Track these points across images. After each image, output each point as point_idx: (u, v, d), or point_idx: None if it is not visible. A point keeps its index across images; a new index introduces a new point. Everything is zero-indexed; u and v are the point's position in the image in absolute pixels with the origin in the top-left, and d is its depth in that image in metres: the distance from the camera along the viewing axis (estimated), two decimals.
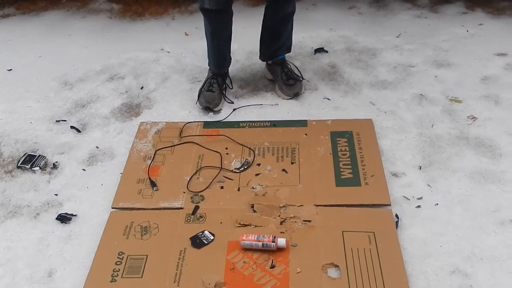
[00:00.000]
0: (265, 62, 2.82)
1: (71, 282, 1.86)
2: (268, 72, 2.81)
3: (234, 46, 2.67)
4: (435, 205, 2.06)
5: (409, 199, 2.09)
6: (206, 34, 2.56)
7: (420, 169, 2.22)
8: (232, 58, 2.72)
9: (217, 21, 2.48)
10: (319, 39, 3.19)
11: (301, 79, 2.73)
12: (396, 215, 2.00)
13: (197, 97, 2.65)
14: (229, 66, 2.74)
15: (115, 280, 1.82)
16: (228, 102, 2.66)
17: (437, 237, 1.94)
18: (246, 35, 3.00)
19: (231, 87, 2.73)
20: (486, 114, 2.50)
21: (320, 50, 3.07)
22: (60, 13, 3.73)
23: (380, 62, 2.95)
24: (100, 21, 3.60)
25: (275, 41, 2.67)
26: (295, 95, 2.68)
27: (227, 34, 2.57)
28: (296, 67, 2.77)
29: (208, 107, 2.60)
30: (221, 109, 2.63)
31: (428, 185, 2.15)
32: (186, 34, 3.33)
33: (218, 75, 2.68)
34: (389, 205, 2.05)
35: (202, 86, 2.66)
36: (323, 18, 3.43)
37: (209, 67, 2.71)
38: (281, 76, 2.70)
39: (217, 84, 2.64)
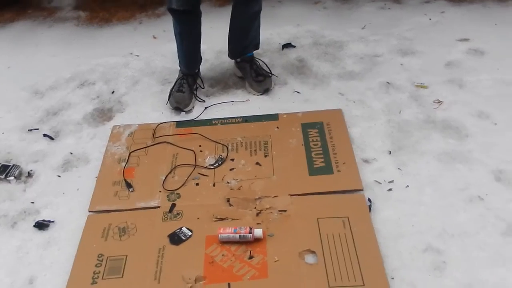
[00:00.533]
0: (234, 60, 2.85)
1: None
2: (238, 70, 2.84)
3: (203, 46, 2.70)
4: (406, 187, 2.12)
5: (381, 183, 2.14)
6: (175, 35, 2.59)
7: (390, 154, 2.28)
8: (201, 56, 2.75)
9: (185, 22, 2.51)
10: (286, 35, 3.23)
11: (270, 74, 2.77)
12: (369, 199, 2.06)
13: (167, 98, 2.67)
14: (199, 65, 2.77)
15: (96, 282, 1.84)
16: (199, 101, 2.68)
17: (409, 218, 1.99)
18: (214, 35, 3.02)
19: (202, 87, 2.75)
20: (451, 98, 2.57)
21: (287, 45, 3.11)
22: (26, 24, 3.70)
23: (347, 54, 3.00)
24: (67, 29, 3.59)
25: (242, 39, 2.71)
26: (265, 91, 2.72)
27: (196, 34, 2.60)
28: (265, 63, 2.81)
29: (178, 108, 2.63)
30: (192, 109, 2.65)
31: (399, 169, 2.20)
32: (154, 37, 3.34)
33: (189, 75, 2.70)
34: (362, 190, 2.10)
35: (173, 87, 2.68)
36: (289, 14, 3.47)
37: (179, 68, 2.74)
38: (250, 73, 2.73)
39: (187, 84, 2.66)
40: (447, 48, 2.97)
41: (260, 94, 2.71)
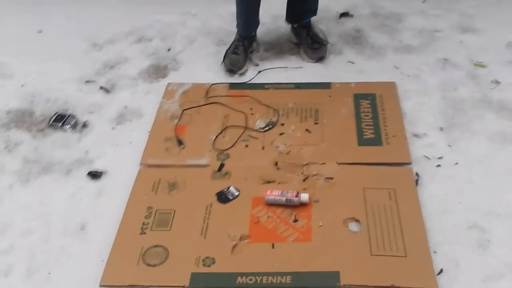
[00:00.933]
0: (290, 26, 2.84)
1: (103, 235, 1.95)
2: (293, 36, 2.84)
3: (260, 10, 2.70)
4: (455, 164, 2.11)
5: (430, 159, 2.13)
6: None
7: (441, 130, 2.26)
8: (259, 20, 2.75)
9: None
10: (344, 3, 3.19)
11: (326, 43, 2.76)
12: (417, 174, 2.06)
13: (222, 59, 2.70)
14: (256, 28, 2.77)
15: (145, 233, 1.91)
16: (254, 65, 2.69)
17: (456, 195, 1.99)
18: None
19: (258, 51, 2.77)
20: (510, 79, 2.51)
21: (345, 14, 3.08)
22: None
23: (405, 27, 2.96)
24: None
25: (301, 3, 2.70)
26: (320, 59, 2.71)
27: None
28: (322, 31, 2.79)
29: (232, 70, 2.65)
30: (245, 72, 2.67)
31: (449, 146, 2.19)
32: None
33: (245, 37, 2.71)
34: (410, 163, 2.10)
35: (228, 48, 2.70)
36: None
37: (237, 29, 2.74)
38: (306, 39, 2.73)
39: (242, 47, 2.67)
40: (509, 27, 2.88)
41: (315, 62, 2.71)
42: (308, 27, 2.75)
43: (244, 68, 2.68)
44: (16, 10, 3.43)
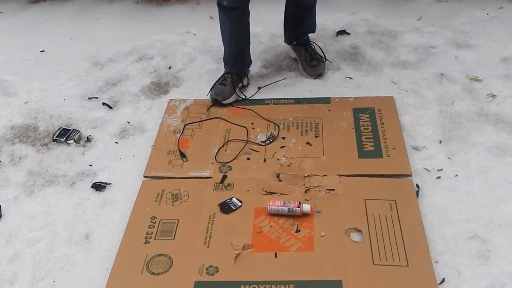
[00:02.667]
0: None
1: (107, 244, 1.97)
2: (292, 51, 2.88)
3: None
4: (455, 176, 2.13)
5: (430, 171, 2.16)
6: (223, 33, 2.59)
7: (440, 143, 2.29)
8: (251, 59, 2.73)
9: (234, 18, 2.50)
10: (341, 22, 3.26)
11: (324, 59, 2.81)
12: (417, 185, 2.08)
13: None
14: (247, 67, 2.73)
15: (149, 242, 1.93)
16: (240, 98, 2.63)
17: (456, 206, 2.01)
18: (269, 18, 3.09)
19: (246, 84, 2.72)
20: (506, 92, 2.56)
21: (342, 32, 3.14)
22: None
23: (401, 44, 3.01)
24: (127, 5, 3.71)
25: (298, 28, 2.75)
26: (319, 76, 2.76)
27: (245, 32, 2.57)
28: (320, 48, 2.85)
29: (216, 99, 2.58)
30: (233, 102, 2.61)
31: (448, 158, 2.22)
32: (211, 18, 3.41)
33: (234, 73, 2.65)
34: (410, 175, 2.12)
35: (217, 80, 2.66)
36: (345, 2, 3.48)
37: (224, 67, 2.71)
38: (304, 56, 2.77)
39: (231, 79, 2.61)
40: (503, 43, 2.94)
41: (314, 79, 2.75)
42: (307, 44, 2.80)
43: (231, 99, 2.61)
44: (20, 32, 3.50)
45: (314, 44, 2.83)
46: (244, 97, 2.65)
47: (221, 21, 2.54)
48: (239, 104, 2.59)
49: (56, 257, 1.93)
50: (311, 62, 2.76)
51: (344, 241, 1.88)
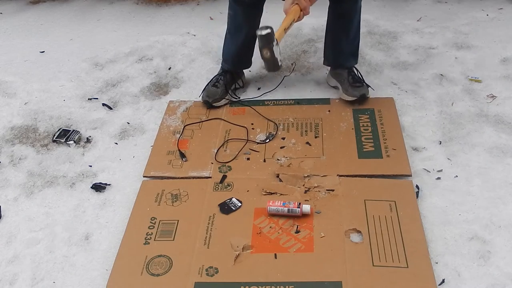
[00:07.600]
0: (329, 69, 2.71)
1: (107, 245, 1.97)
2: (332, 78, 2.67)
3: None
4: (454, 177, 2.13)
5: (429, 172, 2.16)
6: (230, 29, 2.56)
7: (440, 144, 2.29)
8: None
9: (249, 13, 2.46)
10: None
11: (367, 85, 2.58)
12: (417, 186, 2.08)
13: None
14: (246, 68, 2.71)
15: (148, 243, 1.93)
16: (234, 99, 2.62)
17: (456, 207, 2.01)
18: (269, 19, 3.03)
19: (241, 86, 2.71)
20: (506, 93, 2.56)
21: None
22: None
23: (401, 45, 3.02)
24: (127, 7, 3.72)
25: (335, 45, 2.59)
26: (361, 96, 2.49)
27: (254, 30, 2.45)
28: (360, 74, 2.62)
29: (207, 101, 2.56)
30: (224, 105, 2.59)
31: (448, 159, 2.21)
32: (211, 19, 3.42)
33: (228, 72, 2.64)
34: (410, 176, 2.12)
35: (210, 81, 2.67)
36: None
37: (221, 65, 2.69)
38: (347, 79, 2.54)
39: (223, 81, 2.60)
40: (503, 44, 2.94)
41: (356, 99, 2.50)
42: (350, 68, 2.59)
43: (222, 102, 2.58)
44: (20, 33, 3.50)
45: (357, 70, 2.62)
46: (237, 98, 2.64)
47: (233, 16, 2.49)
48: (238, 105, 2.59)
49: (56, 258, 1.93)
50: (355, 84, 2.52)
51: (344, 242, 1.88)
